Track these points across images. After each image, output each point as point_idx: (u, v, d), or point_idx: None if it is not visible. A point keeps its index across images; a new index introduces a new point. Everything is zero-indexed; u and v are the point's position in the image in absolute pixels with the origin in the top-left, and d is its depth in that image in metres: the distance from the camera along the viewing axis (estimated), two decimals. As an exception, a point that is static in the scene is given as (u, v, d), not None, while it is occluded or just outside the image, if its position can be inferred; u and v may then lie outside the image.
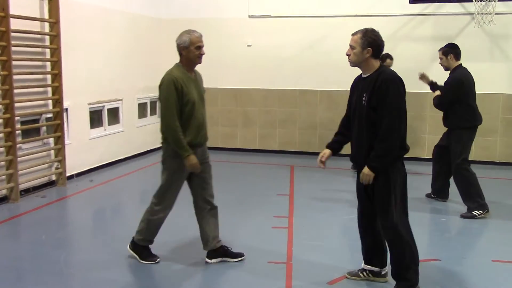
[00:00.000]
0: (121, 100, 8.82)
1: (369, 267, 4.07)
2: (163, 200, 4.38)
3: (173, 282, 4.14)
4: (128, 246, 4.54)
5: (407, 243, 3.74)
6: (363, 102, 3.68)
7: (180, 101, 4.12)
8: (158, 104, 10.10)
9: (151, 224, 4.43)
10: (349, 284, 4.05)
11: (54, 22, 6.88)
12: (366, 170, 3.65)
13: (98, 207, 6.48)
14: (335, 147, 4.05)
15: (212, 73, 10.09)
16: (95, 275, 4.20)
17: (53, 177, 7.14)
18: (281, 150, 9.57)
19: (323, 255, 4.64)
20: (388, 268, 4.03)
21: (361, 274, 4.09)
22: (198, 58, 4.25)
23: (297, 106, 9.50)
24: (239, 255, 4.51)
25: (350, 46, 3.73)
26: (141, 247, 4.48)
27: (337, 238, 5.25)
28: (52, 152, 7.11)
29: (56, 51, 6.92)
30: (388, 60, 7.46)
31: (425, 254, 4.67)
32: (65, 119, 7.27)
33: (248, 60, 9.66)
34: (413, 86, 8.95)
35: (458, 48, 6.09)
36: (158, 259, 4.46)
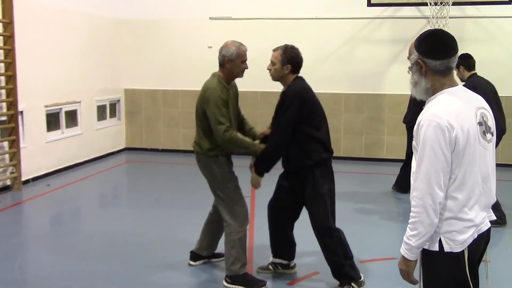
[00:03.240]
0: (79, 102, 8.64)
1: (278, 260, 4.22)
2: (236, 210, 4.00)
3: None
4: (225, 284, 4.02)
5: (338, 239, 3.88)
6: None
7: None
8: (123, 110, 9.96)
9: (241, 243, 3.99)
10: (308, 284, 4.09)
11: (8, 23, 6.68)
12: (253, 174, 3.92)
13: (55, 212, 6.32)
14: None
15: (172, 75, 10.03)
16: (51, 283, 4.10)
17: (8, 182, 6.93)
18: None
19: (284, 256, 4.66)
20: (296, 260, 4.28)
21: (270, 267, 4.27)
22: (241, 73, 4.01)
23: (259, 107, 9.52)
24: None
25: (271, 61, 3.86)
26: (242, 276, 3.99)
27: (296, 236, 5.28)
28: (7, 156, 6.90)
29: (10, 52, 6.73)
30: None
31: (384, 253, 4.76)
32: (20, 122, 7.07)
33: (209, 62, 9.54)
34: (372, 88, 9.16)
35: (470, 58, 5.91)
36: (265, 282, 4.03)
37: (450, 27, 8.30)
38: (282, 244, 4.20)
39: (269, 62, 3.88)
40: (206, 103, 3.87)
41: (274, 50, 3.88)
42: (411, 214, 2.19)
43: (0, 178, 6.74)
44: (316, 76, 10.01)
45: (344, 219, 5.73)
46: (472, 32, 8.86)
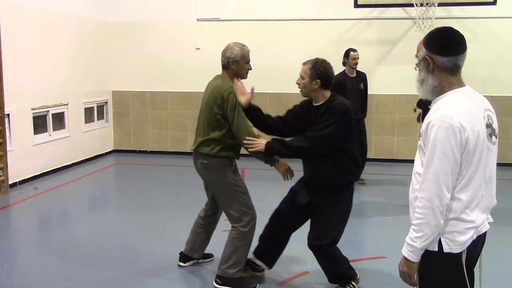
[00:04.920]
0: (67, 104, 8.59)
1: (260, 262, 4.12)
2: (246, 215, 3.94)
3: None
4: (215, 285, 3.99)
5: (337, 256, 3.81)
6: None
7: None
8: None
9: (245, 248, 3.97)
10: (297, 284, 4.10)
11: (-6, 24, 6.62)
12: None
13: (43, 216, 6.28)
14: (257, 112, 3.91)
15: (160, 77, 10.00)
16: (39, 287, 4.06)
17: (-5, 185, 6.86)
18: (231, 153, 9.57)
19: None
20: (286, 260, 4.26)
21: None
22: (246, 74, 4.03)
23: (247, 109, 9.52)
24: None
25: (301, 75, 3.73)
26: (238, 279, 3.96)
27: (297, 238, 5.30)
28: (-7, 159, 6.83)
29: (-4, 54, 6.66)
30: (351, 53, 7.29)
31: (372, 253, 4.79)
32: (7, 125, 7.01)
33: (197, 64, 9.62)
34: (359, 88, 9.20)
35: None
36: (256, 284, 4.03)
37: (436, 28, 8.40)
38: (273, 251, 4.11)
39: (299, 76, 3.72)
40: (227, 103, 3.78)
41: (304, 64, 3.72)
42: (416, 215, 2.16)
43: (-14, 181, 6.68)
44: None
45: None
46: (457, 33, 8.96)
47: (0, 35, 6.68)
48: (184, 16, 9.72)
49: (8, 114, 7.09)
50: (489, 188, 2.24)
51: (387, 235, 5.46)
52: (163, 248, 4.92)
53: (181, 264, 4.45)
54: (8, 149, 6.97)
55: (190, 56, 9.69)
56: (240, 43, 4.01)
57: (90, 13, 9.31)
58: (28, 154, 7.61)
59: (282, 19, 9.35)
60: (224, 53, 3.98)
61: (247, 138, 3.75)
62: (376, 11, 9.08)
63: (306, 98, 3.86)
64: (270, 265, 4.15)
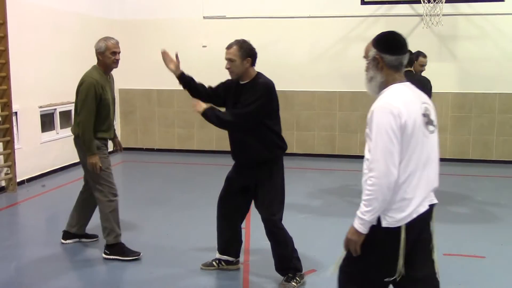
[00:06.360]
0: (73, 102, 8.59)
1: (225, 257, 4.25)
2: (103, 188, 4.54)
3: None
4: (103, 256, 4.53)
5: (287, 233, 3.97)
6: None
7: (97, 102, 4.42)
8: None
9: (114, 216, 4.55)
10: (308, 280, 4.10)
11: (1, 23, 6.66)
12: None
13: (50, 213, 6.31)
14: (190, 81, 4.28)
15: (167, 75, 9.93)
16: (47, 284, 4.09)
17: (3, 183, 6.90)
18: (238, 151, 9.55)
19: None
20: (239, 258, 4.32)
21: (214, 264, 4.30)
22: (113, 63, 4.60)
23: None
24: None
25: (229, 59, 3.88)
26: (118, 247, 4.53)
27: (293, 237, 5.29)
28: (1, 157, 6.87)
29: (3, 53, 6.70)
30: (421, 58, 7.18)
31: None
32: (14, 123, 7.05)
33: (204, 61, 9.62)
34: (361, 86, 9.18)
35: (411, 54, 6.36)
36: (139, 253, 4.55)
37: (444, 25, 8.35)
38: (230, 241, 4.23)
39: (227, 61, 3.88)
40: (79, 86, 4.51)
41: (228, 48, 3.89)
42: (366, 192, 2.38)
43: (-6, 179, 6.73)
44: (311, 74, 10.04)
45: (341, 216, 5.78)
46: (465, 30, 8.91)
47: (8, 33, 6.71)
48: (191, 13, 9.72)
49: (16, 112, 7.13)
50: (426, 170, 2.48)
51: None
52: (169, 244, 4.93)
53: (62, 241, 4.88)
54: (16, 147, 7.01)
55: (196, 54, 9.68)
56: (109, 37, 4.75)
57: (96, 11, 9.33)
58: (36, 152, 7.65)
59: (288, 17, 9.32)
60: (94, 47, 4.58)
61: (194, 99, 4.09)
62: (383, 8, 9.04)
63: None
64: (235, 256, 4.28)
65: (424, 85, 6.47)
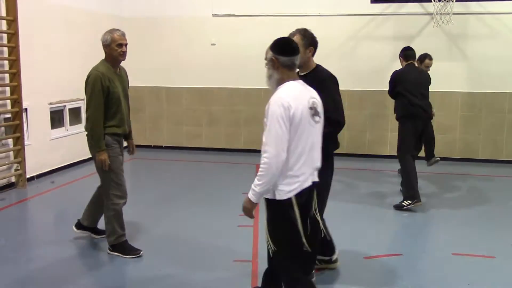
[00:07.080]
0: (83, 99, 8.64)
1: (319, 256, 4.10)
2: (110, 191, 4.53)
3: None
4: (108, 251, 4.59)
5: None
6: None
7: (105, 95, 4.35)
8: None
9: (116, 219, 4.58)
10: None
11: (12, 20, 6.70)
12: None
13: (60, 209, 6.34)
14: None
15: (176, 72, 10.04)
16: (57, 280, 4.12)
17: (13, 179, 6.95)
18: (246, 148, 9.50)
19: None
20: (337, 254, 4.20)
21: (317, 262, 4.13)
22: (120, 56, 4.49)
23: (262, 104, 9.39)
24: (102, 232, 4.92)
25: None
26: (121, 245, 4.58)
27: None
28: (11, 153, 6.92)
29: (14, 50, 6.75)
30: (427, 61, 7.36)
31: (388, 250, 4.76)
32: (24, 120, 7.09)
33: (213, 59, 9.63)
34: (375, 84, 9.15)
35: (408, 50, 6.54)
36: (140, 251, 4.58)
37: (454, 24, 8.30)
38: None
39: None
40: (86, 80, 4.46)
41: (292, 35, 3.62)
42: (260, 169, 2.90)
43: (4, 175, 6.77)
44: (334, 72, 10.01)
45: (348, 215, 5.76)
46: (475, 29, 8.84)
47: (18, 31, 6.75)
48: (200, 11, 9.73)
49: (26, 109, 7.17)
50: (311, 153, 3.03)
51: (403, 232, 5.43)
52: (177, 242, 4.95)
53: (74, 229, 4.94)
54: (25, 143, 7.05)
55: (205, 52, 9.69)
56: (114, 29, 4.63)
57: (106, 9, 9.36)
58: (45, 149, 7.69)
59: (298, 15, 9.30)
60: (100, 39, 4.48)
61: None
62: (393, 7, 8.99)
63: None
64: (329, 255, 4.16)
65: (426, 79, 6.68)
